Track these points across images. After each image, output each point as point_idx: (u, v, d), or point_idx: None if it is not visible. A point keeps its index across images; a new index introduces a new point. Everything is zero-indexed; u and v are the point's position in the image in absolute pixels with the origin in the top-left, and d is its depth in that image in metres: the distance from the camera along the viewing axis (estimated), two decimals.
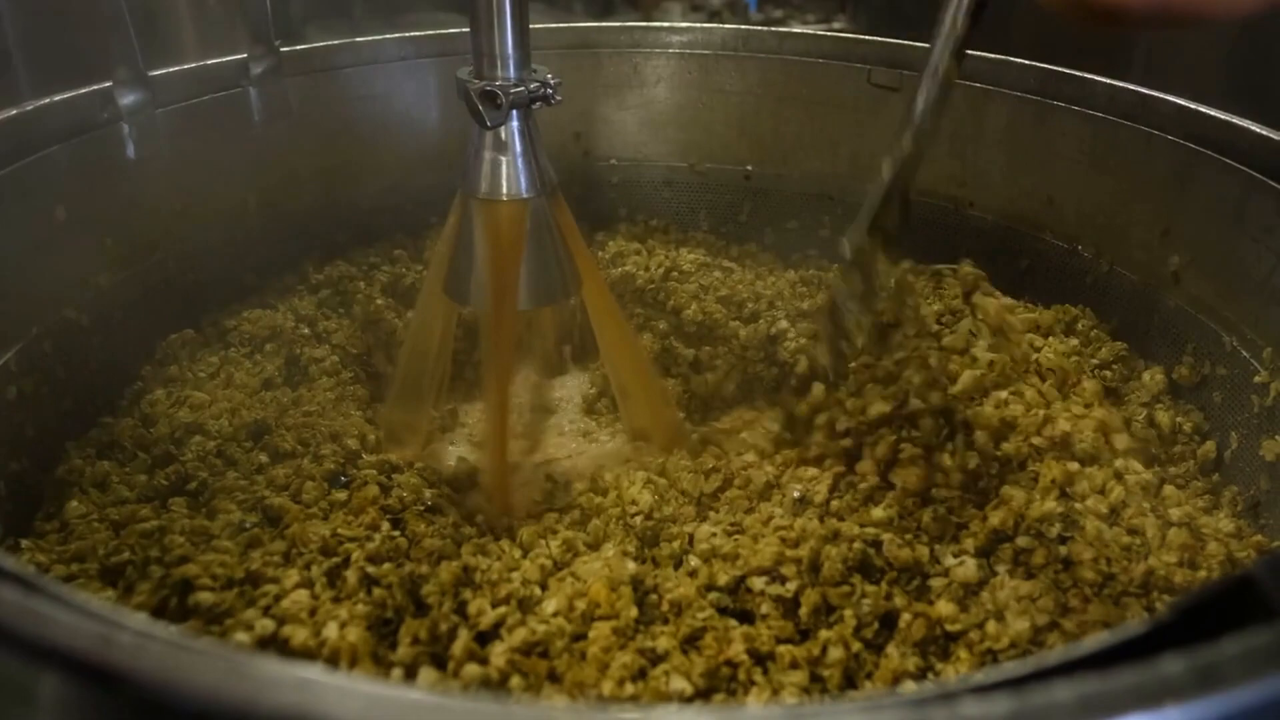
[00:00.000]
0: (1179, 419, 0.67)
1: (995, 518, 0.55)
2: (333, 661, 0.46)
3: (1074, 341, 0.74)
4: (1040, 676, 0.23)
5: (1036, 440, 0.60)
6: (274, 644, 0.46)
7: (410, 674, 0.46)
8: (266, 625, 0.47)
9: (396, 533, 0.56)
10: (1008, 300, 0.74)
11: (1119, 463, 0.60)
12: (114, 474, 0.61)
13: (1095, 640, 0.25)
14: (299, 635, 0.46)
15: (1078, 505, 0.56)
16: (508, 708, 0.23)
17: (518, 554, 0.57)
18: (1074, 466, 0.59)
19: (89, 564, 0.52)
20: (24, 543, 0.55)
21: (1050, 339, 0.73)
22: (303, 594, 0.49)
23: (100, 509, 0.58)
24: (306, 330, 0.76)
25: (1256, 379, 0.62)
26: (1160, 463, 0.64)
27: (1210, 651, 0.23)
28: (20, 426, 0.61)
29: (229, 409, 0.66)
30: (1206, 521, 0.57)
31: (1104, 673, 0.23)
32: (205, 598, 0.48)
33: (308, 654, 0.46)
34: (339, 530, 0.55)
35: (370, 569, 0.51)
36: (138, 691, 0.23)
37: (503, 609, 0.49)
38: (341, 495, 0.59)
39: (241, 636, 0.46)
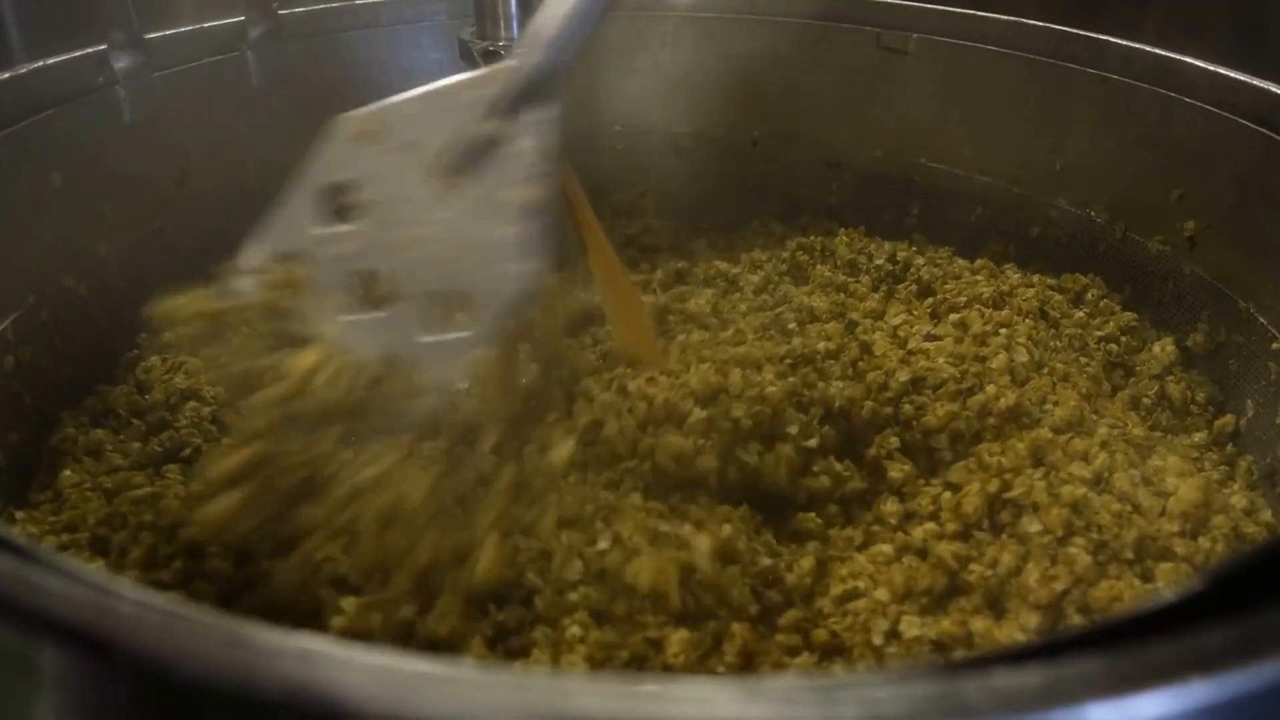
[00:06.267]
0: (1190, 390, 0.66)
1: (973, 487, 0.54)
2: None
3: (1080, 313, 0.73)
4: (1073, 646, 0.22)
5: (992, 420, 0.58)
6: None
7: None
8: None
9: None
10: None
11: (1103, 431, 0.58)
12: (108, 442, 0.60)
13: (1129, 609, 0.24)
14: None
15: (1062, 474, 0.54)
16: (520, 678, 0.22)
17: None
18: (1046, 435, 0.57)
19: (80, 534, 0.52)
20: (18, 515, 0.54)
21: (1028, 320, 0.69)
22: None
23: (94, 477, 0.57)
24: None
25: (1274, 345, 0.61)
26: (1172, 433, 0.63)
27: (1249, 622, 0.22)
28: (18, 396, 0.60)
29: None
30: (1216, 495, 0.56)
31: (1139, 643, 0.22)
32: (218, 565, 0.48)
33: None
34: None
35: None
36: (137, 663, 0.22)
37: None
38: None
39: None
